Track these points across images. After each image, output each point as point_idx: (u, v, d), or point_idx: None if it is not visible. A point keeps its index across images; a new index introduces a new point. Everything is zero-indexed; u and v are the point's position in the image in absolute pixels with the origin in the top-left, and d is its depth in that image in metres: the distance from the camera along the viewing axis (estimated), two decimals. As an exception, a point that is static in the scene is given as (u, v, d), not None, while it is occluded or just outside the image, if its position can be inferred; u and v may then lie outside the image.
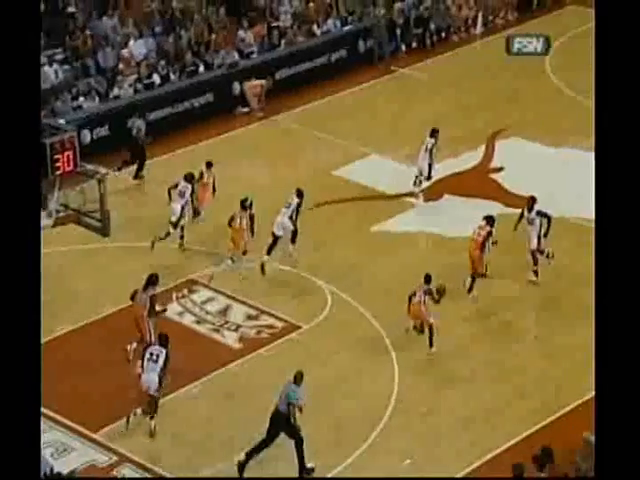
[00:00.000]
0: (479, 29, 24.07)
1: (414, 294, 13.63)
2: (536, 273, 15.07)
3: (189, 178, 16.01)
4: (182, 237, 15.92)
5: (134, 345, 13.26)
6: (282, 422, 11.60)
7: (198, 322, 14.42)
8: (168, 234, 15.75)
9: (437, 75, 22.15)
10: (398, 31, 23.12)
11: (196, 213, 16.38)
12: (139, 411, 12.42)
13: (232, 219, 15.25)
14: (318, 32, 22.59)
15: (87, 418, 12.59)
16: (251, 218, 15.22)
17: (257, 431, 12.43)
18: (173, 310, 14.56)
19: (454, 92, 21.11)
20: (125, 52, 20.72)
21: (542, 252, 15.10)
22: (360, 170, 18.29)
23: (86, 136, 18.59)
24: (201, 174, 16.39)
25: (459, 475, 11.91)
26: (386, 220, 16.89)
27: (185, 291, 15.05)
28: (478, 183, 17.91)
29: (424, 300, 13.55)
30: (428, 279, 13.68)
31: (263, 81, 20.73)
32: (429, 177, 17.42)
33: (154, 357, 12.30)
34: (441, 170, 18.03)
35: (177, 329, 13.96)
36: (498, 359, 13.75)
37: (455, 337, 14.11)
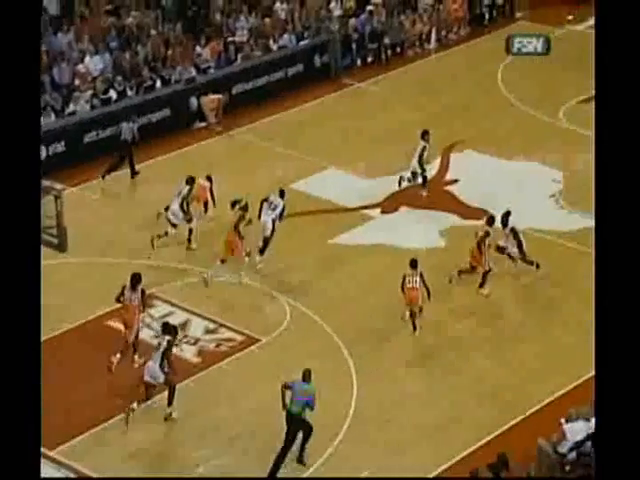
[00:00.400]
0: (433, 44, 24.47)
1: (404, 281, 14.17)
2: (532, 264, 15.50)
3: (189, 181, 16.41)
4: (153, 243, 16.11)
5: (118, 356, 13.47)
6: (297, 422, 11.81)
7: (157, 337, 14.38)
8: (190, 232, 16.18)
9: (392, 89, 22.45)
10: (353, 46, 23.44)
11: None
12: (135, 406, 12.55)
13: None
14: (274, 47, 22.78)
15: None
16: (239, 218, 15.35)
17: (217, 443, 12.48)
18: (131, 325, 14.55)
19: (409, 106, 21.40)
20: (81, 68, 20.68)
21: (530, 262, 15.49)
22: (317, 183, 18.44)
23: (42, 152, 18.54)
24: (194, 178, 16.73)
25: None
26: (344, 233, 17.05)
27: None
28: (434, 195, 18.18)
29: (418, 283, 14.11)
30: (414, 264, 14.19)
31: (220, 96, 20.84)
32: (424, 177, 17.78)
33: (157, 344, 12.71)
34: (397, 182, 18.30)
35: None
36: (457, 367, 13.92)
37: (412, 348, 14.29)
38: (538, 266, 15.61)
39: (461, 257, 15.70)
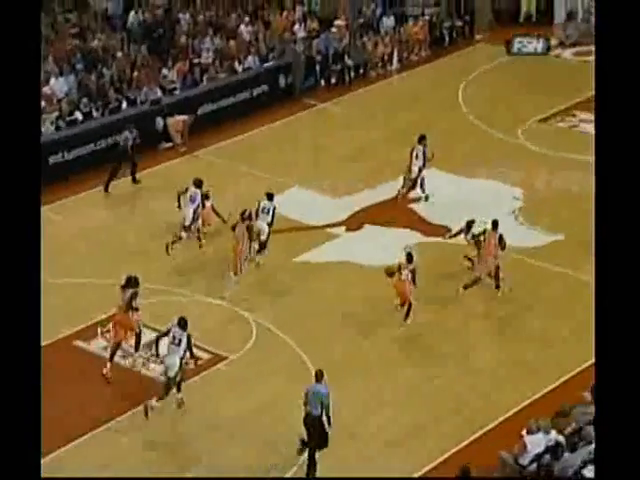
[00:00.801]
0: (395, 65, 24.93)
1: (398, 271, 14.76)
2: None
3: (198, 184, 16.76)
4: (199, 238, 16.67)
5: (131, 345, 13.89)
6: (317, 425, 11.94)
7: (124, 356, 14.45)
8: (180, 238, 16.50)
9: (355, 109, 22.81)
10: (317, 67, 23.80)
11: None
12: (154, 402, 12.71)
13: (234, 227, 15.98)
14: (239, 68, 23.05)
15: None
16: (249, 228, 15.79)
17: (184, 466, 12.56)
18: (97, 345, 14.62)
19: (372, 125, 21.76)
20: (46, 89, 20.77)
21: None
22: (283, 202, 18.64)
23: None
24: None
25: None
26: (309, 251, 17.27)
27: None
28: (397, 213, 18.49)
29: (409, 278, 14.74)
30: (410, 258, 14.84)
31: (185, 117, 21.03)
32: (420, 179, 18.27)
33: (176, 341, 12.85)
34: (360, 201, 18.65)
35: (101, 364, 14.01)
36: (420, 380, 14.12)
37: (378, 361, 14.50)
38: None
39: (424, 272, 15.90)
